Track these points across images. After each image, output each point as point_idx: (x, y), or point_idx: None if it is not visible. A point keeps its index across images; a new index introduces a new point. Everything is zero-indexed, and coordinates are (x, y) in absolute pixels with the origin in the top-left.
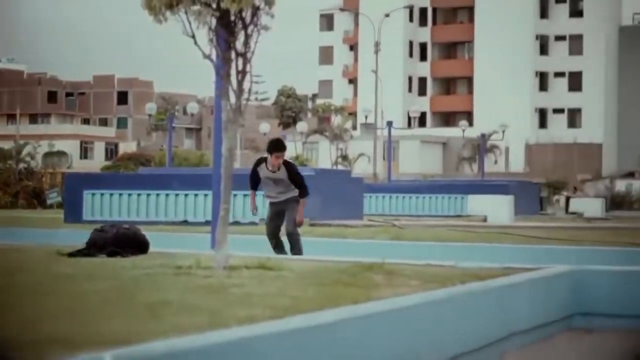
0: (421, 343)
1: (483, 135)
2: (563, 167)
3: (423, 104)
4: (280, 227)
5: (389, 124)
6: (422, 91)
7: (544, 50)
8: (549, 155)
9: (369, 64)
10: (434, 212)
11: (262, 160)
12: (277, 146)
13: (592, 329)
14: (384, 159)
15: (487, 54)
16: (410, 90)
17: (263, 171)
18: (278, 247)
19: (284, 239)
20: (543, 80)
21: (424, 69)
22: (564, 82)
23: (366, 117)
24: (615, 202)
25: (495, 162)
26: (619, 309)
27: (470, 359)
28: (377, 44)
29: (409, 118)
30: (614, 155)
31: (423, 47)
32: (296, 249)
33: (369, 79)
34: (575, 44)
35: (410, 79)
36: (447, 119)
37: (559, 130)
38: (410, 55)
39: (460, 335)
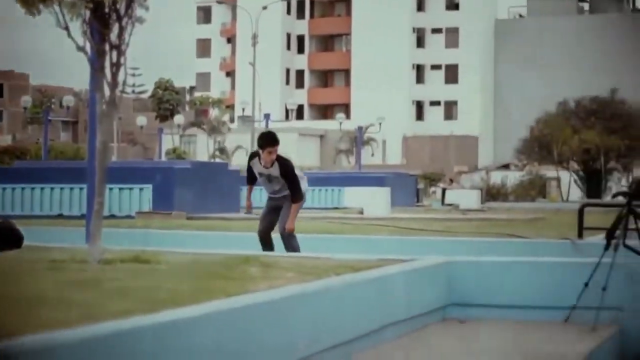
0: (297, 335)
1: (360, 128)
2: (439, 159)
3: (301, 97)
4: (273, 226)
5: (267, 116)
6: (299, 84)
7: (420, 43)
8: (426, 147)
9: (247, 56)
10: (311, 205)
11: (256, 154)
12: (268, 140)
13: (466, 319)
14: None
15: (364, 47)
16: (287, 82)
17: (256, 166)
18: (267, 247)
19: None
20: (420, 73)
21: (301, 62)
22: (440, 74)
23: (243, 110)
24: (491, 194)
25: (372, 154)
26: (492, 299)
27: (345, 349)
28: (254, 37)
29: (287, 110)
30: (490, 147)
31: (301, 39)
32: (290, 250)
33: (247, 72)
34: (452, 36)
35: (287, 71)
36: (325, 111)
37: (435, 123)
38: (288, 47)
39: (336, 326)
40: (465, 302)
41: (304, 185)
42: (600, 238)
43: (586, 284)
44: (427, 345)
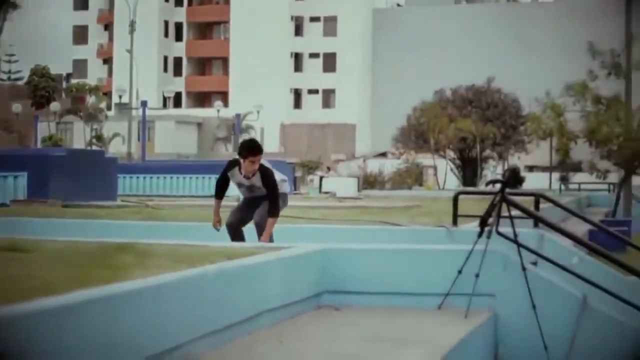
0: (170, 322)
1: (238, 116)
2: (317, 147)
3: (178, 85)
4: (244, 222)
5: (143, 104)
6: (177, 71)
7: (299, 31)
8: (304, 135)
9: (124, 43)
10: (188, 192)
11: (235, 163)
12: (251, 149)
13: (341, 306)
14: (138, 139)
15: (242, 35)
16: (165, 70)
17: (235, 177)
18: (237, 239)
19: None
20: (298, 61)
21: (179, 49)
22: (318, 63)
23: (120, 97)
24: (368, 182)
25: None
26: (367, 287)
27: (220, 337)
28: (132, 24)
29: (164, 98)
30: (368, 135)
31: (179, 27)
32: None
33: (124, 59)
34: (330, 25)
35: (165, 59)
36: (203, 99)
37: (313, 111)
38: (166, 35)
39: (210, 314)
40: (340, 289)
41: (286, 188)
42: (474, 225)
43: (460, 271)
44: (300, 333)
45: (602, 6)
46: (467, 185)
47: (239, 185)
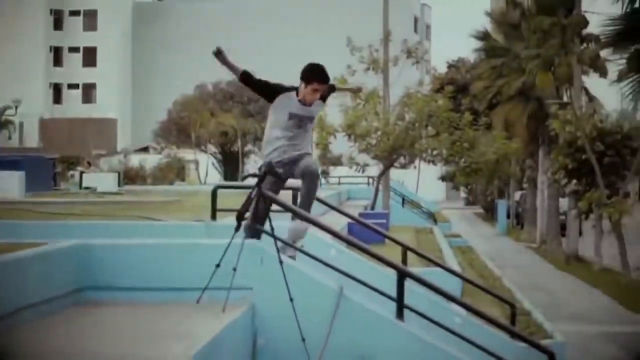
0: None
1: None
2: (78, 142)
3: None
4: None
5: None
6: None
7: (58, 25)
8: (64, 130)
9: None
10: None
11: (292, 89)
12: (318, 74)
13: (101, 302)
14: None
15: None
16: None
17: (290, 103)
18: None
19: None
20: (58, 55)
21: None
22: (78, 57)
23: None
24: (130, 177)
25: (10, 137)
26: (126, 282)
27: None
28: None
29: None
30: (129, 130)
31: None
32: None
33: None
34: (90, 19)
35: None
36: None
37: (74, 106)
38: None
39: None
40: (100, 285)
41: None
42: (233, 219)
43: (218, 265)
44: (63, 329)
45: (360, 2)
46: (228, 180)
47: (291, 116)
